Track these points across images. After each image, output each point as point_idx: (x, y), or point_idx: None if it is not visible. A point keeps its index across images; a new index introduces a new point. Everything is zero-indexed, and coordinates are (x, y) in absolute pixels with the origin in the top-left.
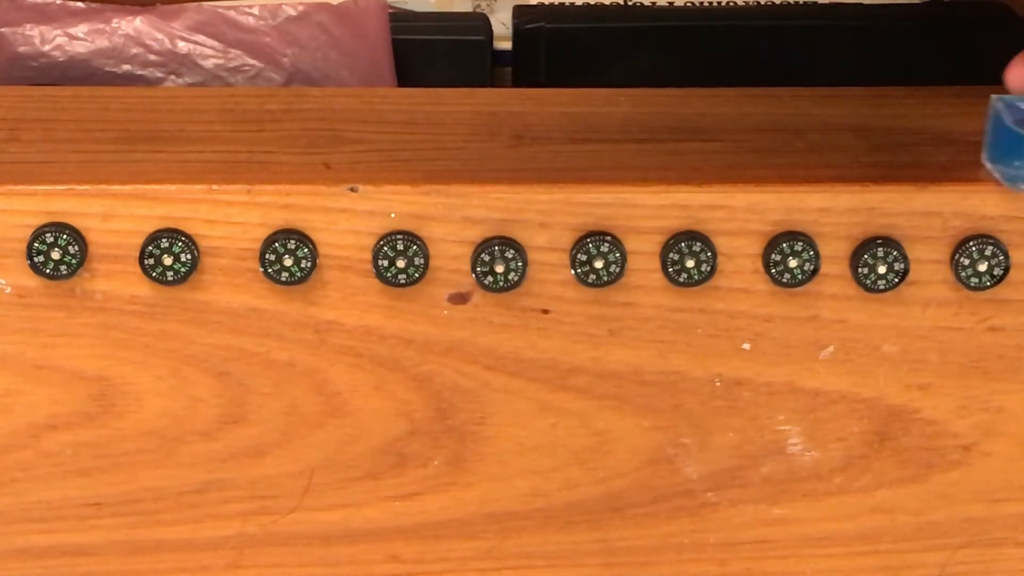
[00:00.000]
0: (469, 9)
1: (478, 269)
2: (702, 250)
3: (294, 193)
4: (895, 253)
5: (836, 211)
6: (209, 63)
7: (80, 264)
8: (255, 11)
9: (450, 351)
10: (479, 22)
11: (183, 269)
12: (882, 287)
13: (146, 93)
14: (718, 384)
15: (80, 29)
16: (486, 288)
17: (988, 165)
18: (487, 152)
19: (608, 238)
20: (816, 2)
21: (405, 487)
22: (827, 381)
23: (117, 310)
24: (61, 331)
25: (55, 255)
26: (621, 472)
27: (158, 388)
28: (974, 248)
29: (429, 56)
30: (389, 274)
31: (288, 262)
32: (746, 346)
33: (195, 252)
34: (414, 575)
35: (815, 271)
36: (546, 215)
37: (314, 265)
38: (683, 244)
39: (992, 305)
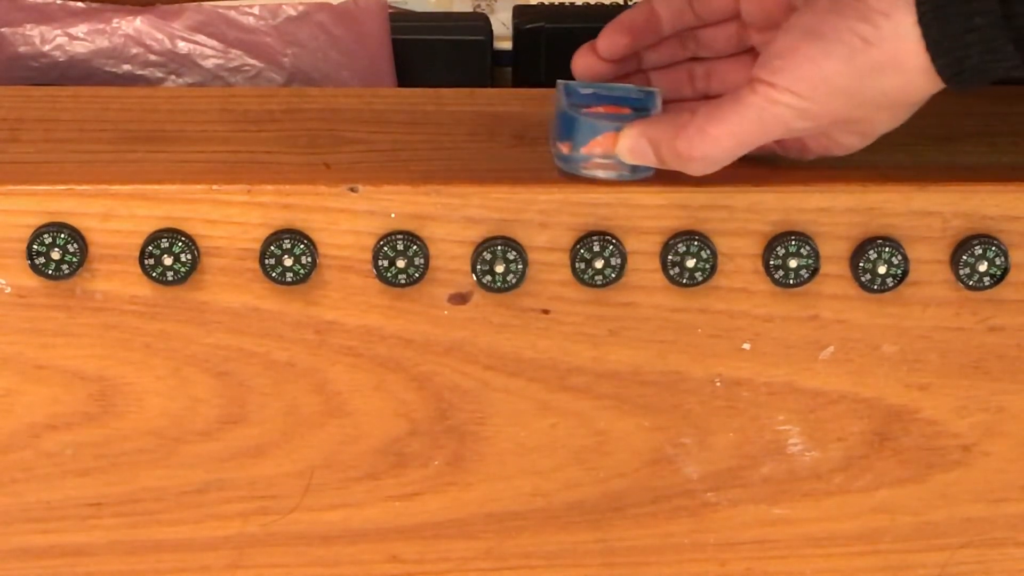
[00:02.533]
0: (469, 9)
1: (478, 269)
2: (702, 250)
3: (294, 193)
4: (895, 253)
5: (836, 211)
6: (209, 63)
7: (80, 264)
8: (255, 11)
9: (450, 351)
10: (479, 22)
11: (183, 269)
12: (882, 287)
13: (146, 93)
14: (718, 384)
15: (80, 29)
16: (486, 288)
17: (552, 150)
18: (487, 152)
19: (608, 238)
20: None
21: (405, 487)
22: (827, 381)
23: (117, 310)
24: (61, 331)
25: (55, 255)
26: (621, 472)
27: (158, 388)
28: (974, 248)
29: (429, 56)
30: (389, 274)
31: (288, 262)
32: (746, 346)
33: (195, 252)
34: (414, 575)
35: (815, 271)
36: (546, 215)
37: (314, 265)
38: (683, 244)
39: (992, 305)
